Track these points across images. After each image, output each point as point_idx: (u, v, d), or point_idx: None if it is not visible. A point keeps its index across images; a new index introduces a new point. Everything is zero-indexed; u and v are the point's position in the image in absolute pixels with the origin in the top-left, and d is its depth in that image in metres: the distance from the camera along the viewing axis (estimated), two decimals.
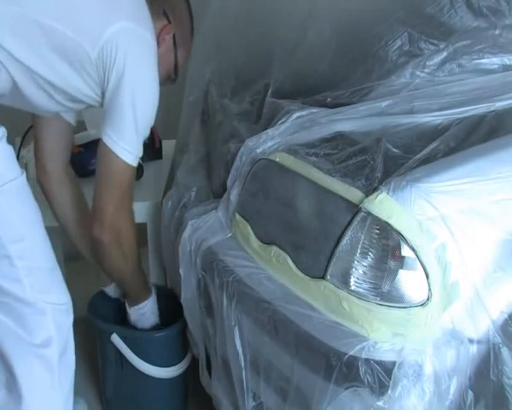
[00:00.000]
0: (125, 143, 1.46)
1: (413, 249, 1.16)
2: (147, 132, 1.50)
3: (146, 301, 1.75)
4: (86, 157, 2.16)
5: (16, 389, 1.47)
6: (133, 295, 1.76)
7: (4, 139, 1.40)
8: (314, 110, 1.54)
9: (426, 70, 1.51)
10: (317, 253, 1.28)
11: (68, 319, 1.51)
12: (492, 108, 1.39)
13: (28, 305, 1.44)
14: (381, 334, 1.18)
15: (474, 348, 1.17)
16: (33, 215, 1.46)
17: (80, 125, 2.16)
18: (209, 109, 1.97)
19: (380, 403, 1.15)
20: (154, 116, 1.50)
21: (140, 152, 1.50)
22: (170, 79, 1.62)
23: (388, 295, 1.18)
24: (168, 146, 2.27)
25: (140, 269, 1.71)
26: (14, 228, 1.41)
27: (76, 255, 2.55)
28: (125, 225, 1.56)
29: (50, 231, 2.29)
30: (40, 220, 1.48)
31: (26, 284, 1.42)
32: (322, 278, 1.26)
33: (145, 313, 1.76)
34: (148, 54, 1.45)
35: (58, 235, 2.33)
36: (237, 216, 1.52)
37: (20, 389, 1.47)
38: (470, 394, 1.17)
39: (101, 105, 1.49)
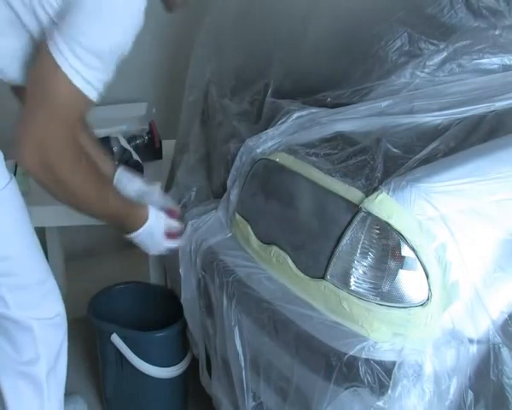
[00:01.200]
0: (79, 63, 1.17)
1: (413, 249, 1.16)
2: (117, 56, 1.21)
3: (147, 221, 1.47)
4: None
5: (3, 408, 1.45)
6: (129, 224, 1.46)
7: None
8: (314, 110, 1.54)
9: (426, 70, 1.51)
10: (317, 253, 1.28)
11: (60, 331, 1.46)
12: (492, 108, 1.39)
13: (14, 322, 1.39)
14: (381, 334, 1.18)
15: (474, 348, 1.17)
16: (22, 225, 1.38)
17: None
18: (209, 109, 1.97)
19: (380, 403, 1.15)
20: (130, 35, 1.20)
21: (103, 81, 1.21)
22: None
23: (388, 295, 1.18)
24: (168, 146, 2.27)
25: (115, 199, 1.41)
26: (0, 245, 1.34)
27: (76, 255, 2.56)
28: (60, 162, 1.23)
29: (50, 231, 2.30)
30: (30, 229, 1.40)
31: (9, 301, 1.37)
32: (322, 278, 1.26)
33: (152, 232, 1.49)
34: None
35: (58, 235, 2.34)
36: (237, 216, 1.52)
37: (6, 408, 1.44)
38: (470, 394, 1.17)
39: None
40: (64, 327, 1.48)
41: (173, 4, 1.39)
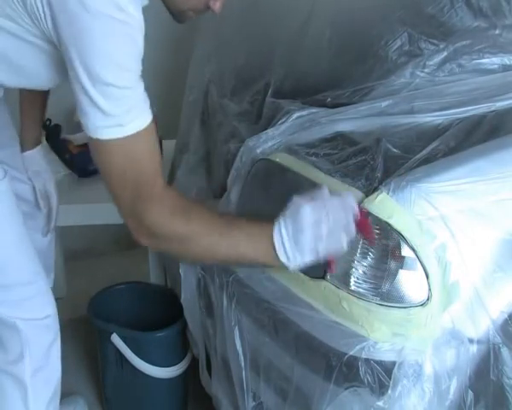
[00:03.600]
0: (82, 117, 1.12)
1: (413, 249, 1.16)
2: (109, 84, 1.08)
3: (275, 232, 1.19)
4: (86, 157, 2.16)
5: None
6: (265, 250, 1.19)
7: None
8: (314, 110, 1.54)
9: (426, 70, 1.51)
10: None
11: (50, 333, 1.45)
12: (492, 108, 1.39)
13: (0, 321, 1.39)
14: (381, 334, 1.18)
15: (474, 348, 1.17)
16: (12, 224, 1.37)
17: (80, 126, 2.16)
18: (209, 109, 1.97)
19: (380, 403, 1.15)
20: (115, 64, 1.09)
21: (108, 115, 1.09)
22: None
23: (388, 295, 1.18)
24: (168, 146, 2.27)
25: (233, 231, 1.20)
26: None
27: (76, 255, 2.55)
28: (158, 213, 1.15)
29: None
30: (20, 229, 1.39)
31: None
32: (323, 278, 1.26)
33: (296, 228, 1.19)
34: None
35: (58, 235, 2.34)
36: None
37: None
38: (470, 394, 1.17)
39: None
40: (55, 329, 1.46)
41: (186, 18, 1.29)
